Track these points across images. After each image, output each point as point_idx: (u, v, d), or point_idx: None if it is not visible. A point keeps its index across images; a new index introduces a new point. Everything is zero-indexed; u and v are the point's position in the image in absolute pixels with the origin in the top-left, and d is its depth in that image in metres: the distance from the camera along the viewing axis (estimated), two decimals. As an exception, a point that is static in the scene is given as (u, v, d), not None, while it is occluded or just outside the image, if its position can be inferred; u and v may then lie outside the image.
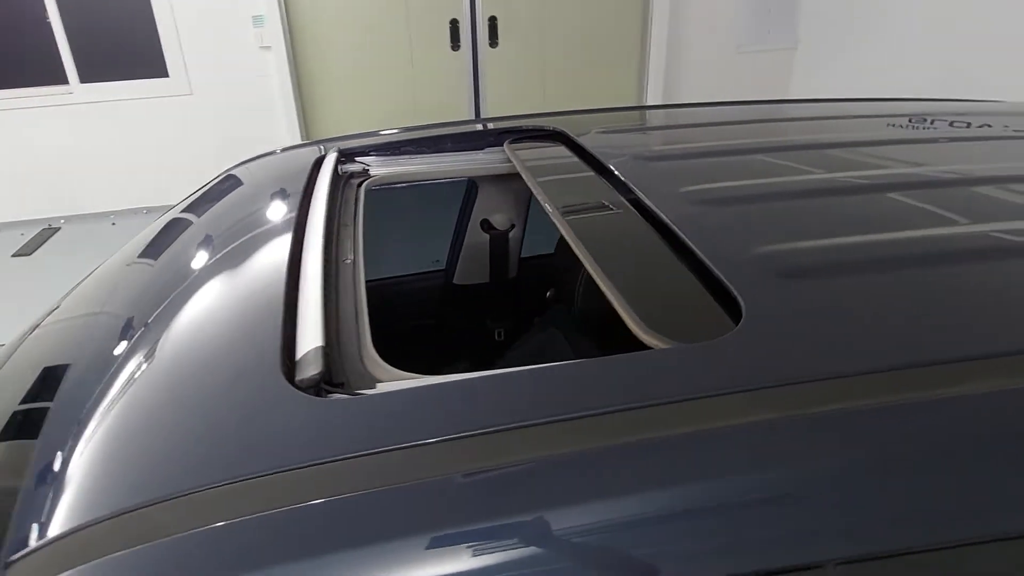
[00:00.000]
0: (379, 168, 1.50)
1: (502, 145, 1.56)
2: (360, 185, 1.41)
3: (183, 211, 1.44)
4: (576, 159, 1.35)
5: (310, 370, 0.73)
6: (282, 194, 1.32)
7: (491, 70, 4.67)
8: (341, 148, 1.49)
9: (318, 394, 0.71)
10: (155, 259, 1.21)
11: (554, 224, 1.10)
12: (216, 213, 1.34)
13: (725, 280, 0.80)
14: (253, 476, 0.60)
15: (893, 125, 1.40)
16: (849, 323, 0.73)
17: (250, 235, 1.15)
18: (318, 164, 1.41)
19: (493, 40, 4.59)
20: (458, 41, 4.55)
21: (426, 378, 0.74)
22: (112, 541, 0.58)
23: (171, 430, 0.70)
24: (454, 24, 4.51)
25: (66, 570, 0.55)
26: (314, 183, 1.29)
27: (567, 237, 1.02)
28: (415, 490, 0.59)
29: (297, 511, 0.57)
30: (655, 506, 0.57)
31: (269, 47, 4.32)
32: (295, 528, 0.57)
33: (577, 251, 0.98)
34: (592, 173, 1.27)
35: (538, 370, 0.71)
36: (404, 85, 4.62)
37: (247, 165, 1.66)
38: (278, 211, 1.23)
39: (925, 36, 3.86)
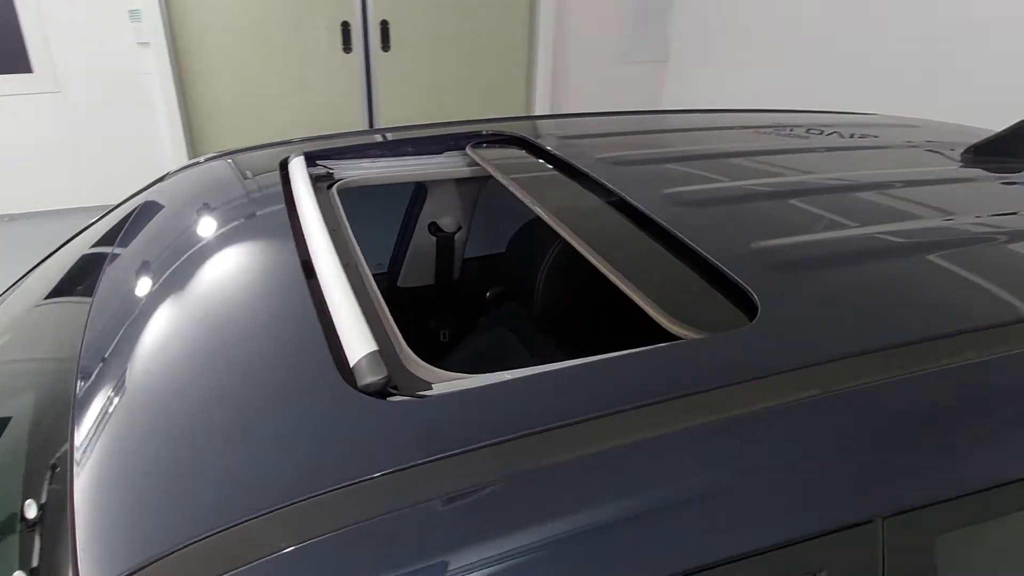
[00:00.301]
0: (343, 171, 1.50)
1: (460, 149, 1.62)
2: (329, 188, 1.40)
3: (137, 220, 1.34)
4: (547, 162, 1.42)
5: (372, 375, 0.72)
6: (261, 200, 1.29)
7: (383, 74, 4.68)
8: (306, 152, 1.48)
9: (384, 399, 0.71)
10: (142, 275, 1.12)
11: (549, 225, 1.16)
12: (194, 222, 1.27)
13: (732, 274, 0.89)
14: (349, 484, 0.60)
15: (811, 134, 1.61)
16: (855, 306, 0.85)
17: (250, 244, 1.12)
18: (284, 168, 1.39)
19: (385, 44, 4.61)
20: (350, 44, 4.53)
21: (478, 377, 0.75)
22: (206, 565, 0.55)
23: (246, 448, 0.67)
24: (345, 26, 4.48)
25: None
26: (291, 188, 1.26)
27: (568, 237, 1.08)
28: (517, 482, 0.61)
29: (402, 514, 0.58)
30: (734, 477, 0.66)
31: (148, 43, 4.10)
32: (404, 531, 0.57)
33: (582, 250, 1.04)
34: (566, 175, 1.34)
35: (595, 363, 0.76)
36: (294, 85, 4.53)
37: (188, 171, 1.58)
38: (266, 218, 1.20)
39: (779, 54, 4.31)
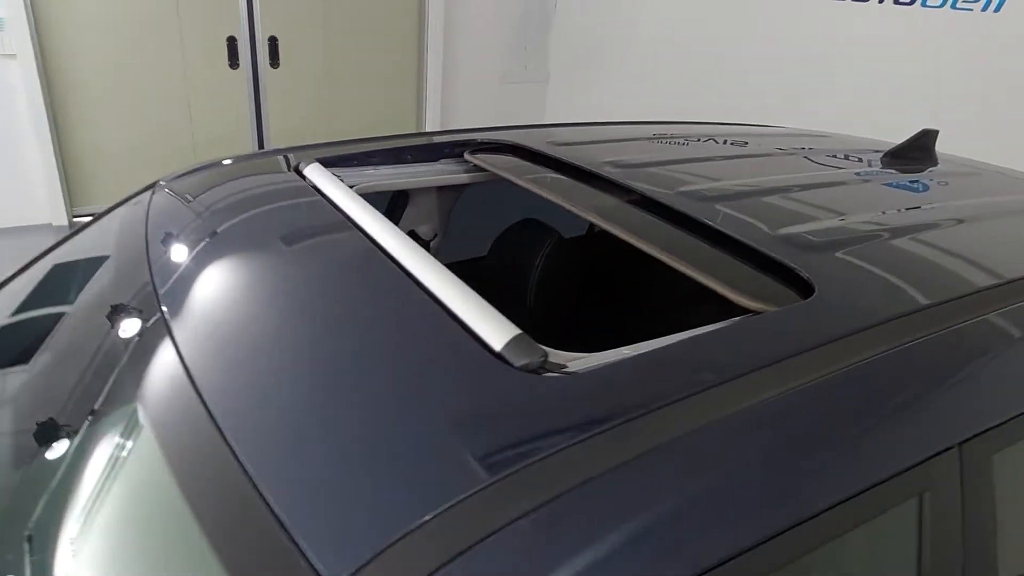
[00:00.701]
0: (351, 179, 1.49)
1: (455, 157, 1.64)
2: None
3: (170, 229, 1.21)
4: (555, 166, 1.47)
5: (529, 355, 0.76)
6: (301, 204, 1.24)
7: (273, 91, 4.57)
8: (319, 158, 1.46)
9: (539, 376, 0.75)
10: (232, 281, 1.04)
11: (587, 221, 1.23)
12: (255, 230, 1.18)
13: (778, 257, 1.01)
14: (554, 452, 0.64)
15: (764, 142, 1.83)
16: (888, 276, 1.01)
17: (330, 247, 1.10)
18: (299, 174, 1.37)
19: (274, 61, 4.50)
20: (237, 59, 4.39)
21: (596, 356, 0.80)
22: (436, 549, 0.57)
23: (440, 433, 0.70)
24: (232, 41, 4.34)
25: None
26: (325, 193, 1.25)
27: (613, 230, 1.16)
28: (684, 442, 0.68)
29: (606, 477, 0.63)
30: (852, 420, 0.77)
31: (14, 55, 3.76)
32: (611, 492, 0.63)
33: (632, 239, 1.13)
34: (578, 178, 1.41)
35: (704, 334, 0.84)
36: (178, 100, 4.31)
37: (194, 179, 1.44)
38: (325, 221, 1.16)
39: (647, 74, 4.70)
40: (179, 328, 0.92)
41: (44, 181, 4.05)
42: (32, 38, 3.77)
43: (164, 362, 0.88)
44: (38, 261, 1.45)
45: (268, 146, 4.64)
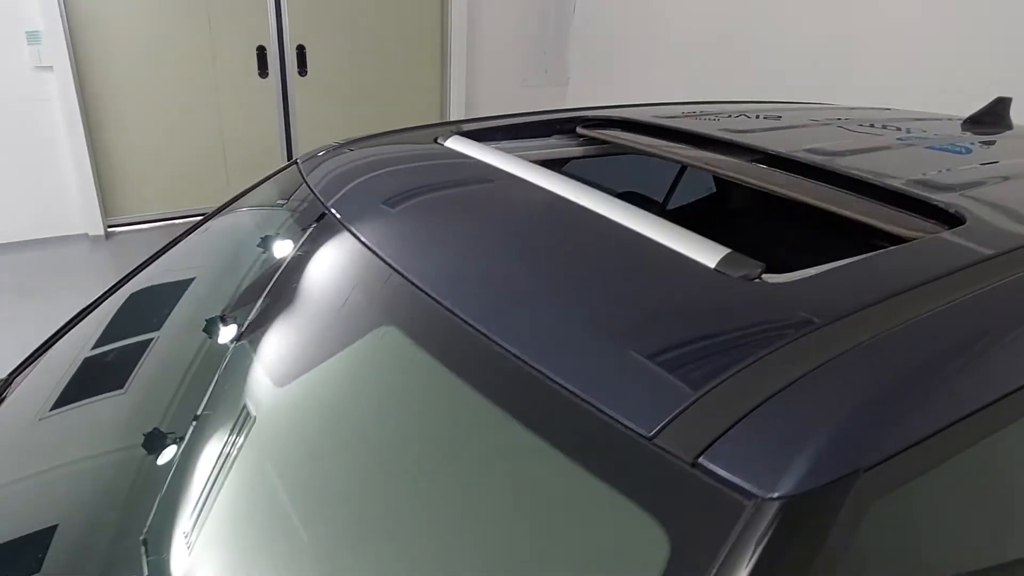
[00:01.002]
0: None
1: (566, 133, 1.66)
2: None
3: (366, 201, 1.22)
4: (671, 135, 1.50)
5: (749, 267, 0.85)
6: (475, 167, 1.27)
7: (301, 98, 4.62)
8: (456, 131, 1.46)
9: (757, 283, 0.84)
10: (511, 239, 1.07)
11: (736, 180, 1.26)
12: (458, 195, 1.22)
13: (923, 196, 1.07)
14: (797, 338, 0.72)
15: (851, 114, 1.87)
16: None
17: (526, 198, 1.13)
18: (442, 146, 1.39)
19: (302, 69, 4.55)
20: (266, 68, 4.44)
21: (794, 273, 0.87)
22: (720, 414, 0.65)
23: (697, 327, 0.79)
24: (261, 51, 4.39)
25: (722, 427, 0.64)
26: (486, 160, 1.28)
27: (763, 186, 1.21)
28: (899, 332, 0.75)
29: (843, 359, 0.71)
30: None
31: (50, 67, 3.81)
32: (846, 373, 0.70)
33: (784, 193, 1.18)
34: (697, 144, 1.43)
35: (878, 255, 0.91)
36: (208, 110, 4.36)
37: (349, 158, 1.43)
38: (504, 179, 1.19)
39: (665, 75, 4.76)
40: (422, 272, 0.96)
41: (79, 191, 4.08)
42: (68, 50, 3.82)
43: (421, 305, 0.91)
44: (195, 230, 1.46)
45: (296, 153, 4.68)
